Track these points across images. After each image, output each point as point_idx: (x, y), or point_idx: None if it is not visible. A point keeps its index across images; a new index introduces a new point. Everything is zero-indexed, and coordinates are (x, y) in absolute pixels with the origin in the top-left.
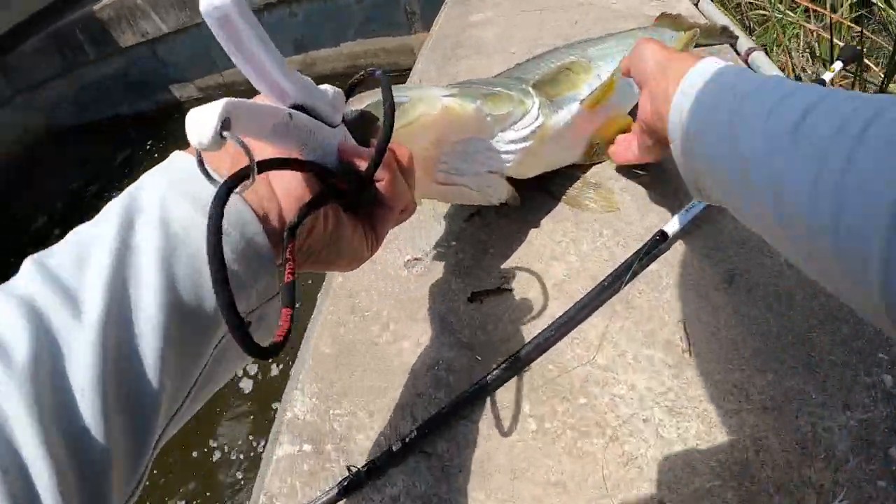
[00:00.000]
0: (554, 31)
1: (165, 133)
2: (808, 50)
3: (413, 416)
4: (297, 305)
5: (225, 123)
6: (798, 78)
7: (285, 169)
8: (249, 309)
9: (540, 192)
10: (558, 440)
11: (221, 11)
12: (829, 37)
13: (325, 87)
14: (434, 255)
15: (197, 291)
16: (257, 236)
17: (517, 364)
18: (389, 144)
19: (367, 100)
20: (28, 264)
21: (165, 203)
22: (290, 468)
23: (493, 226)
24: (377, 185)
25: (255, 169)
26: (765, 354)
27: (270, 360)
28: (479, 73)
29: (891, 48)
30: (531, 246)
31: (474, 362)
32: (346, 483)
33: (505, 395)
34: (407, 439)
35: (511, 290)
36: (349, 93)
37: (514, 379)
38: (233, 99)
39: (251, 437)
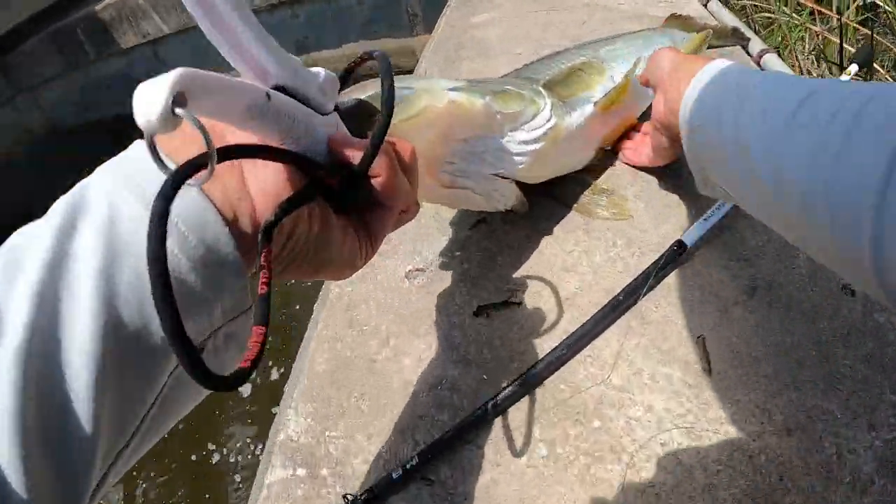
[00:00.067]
0: (560, 31)
1: None
2: (813, 52)
3: (414, 440)
4: (295, 315)
5: (178, 98)
6: None
7: (258, 157)
8: (213, 327)
9: (549, 199)
10: (571, 466)
11: None
12: (833, 39)
13: (317, 69)
14: (437, 265)
15: (142, 310)
16: (221, 241)
17: (526, 384)
18: (390, 138)
19: (371, 89)
20: None
21: (114, 200)
22: (284, 493)
23: (500, 234)
24: (372, 181)
25: (215, 156)
26: (787, 372)
27: (270, 364)
28: (484, 75)
29: None
30: (541, 256)
31: (480, 382)
32: None
33: (513, 417)
34: (408, 465)
35: (520, 304)
36: (345, 78)
37: (523, 400)
38: (191, 69)
39: (249, 441)
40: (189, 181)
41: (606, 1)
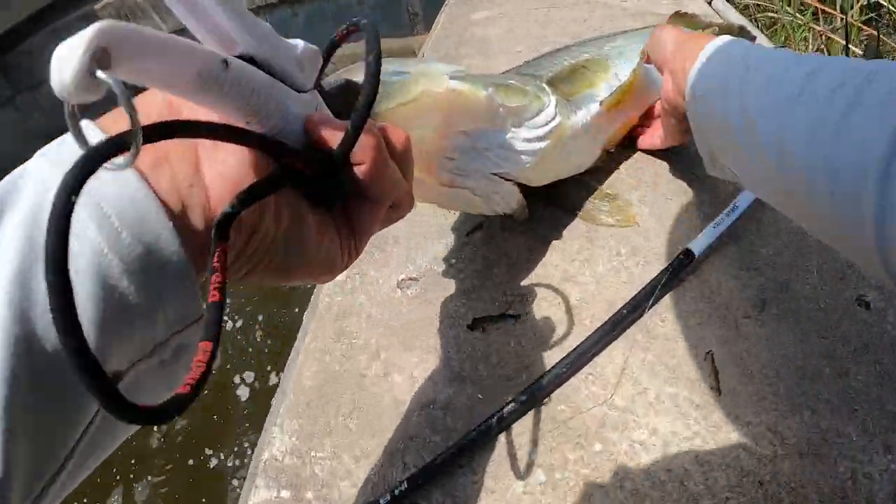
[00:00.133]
0: (561, 29)
1: None
2: (818, 52)
3: (405, 463)
4: (297, 319)
5: (100, 58)
6: None
7: (208, 137)
8: (156, 341)
9: (549, 204)
10: (570, 493)
11: None
12: (837, 39)
13: (296, 41)
14: (431, 274)
15: None
16: (163, 238)
17: (524, 404)
18: (383, 124)
19: (362, 71)
20: None
21: (44, 189)
22: None
23: (498, 242)
24: (355, 169)
25: (139, 133)
26: (800, 390)
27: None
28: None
29: None
30: (540, 266)
31: (475, 401)
32: None
33: (510, 439)
34: (396, 491)
35: (518, 317)
36: (329, 53)
37: (521, 421)
38: (119, 22)
39: (247, 446)
40: (109, 164)
41: None
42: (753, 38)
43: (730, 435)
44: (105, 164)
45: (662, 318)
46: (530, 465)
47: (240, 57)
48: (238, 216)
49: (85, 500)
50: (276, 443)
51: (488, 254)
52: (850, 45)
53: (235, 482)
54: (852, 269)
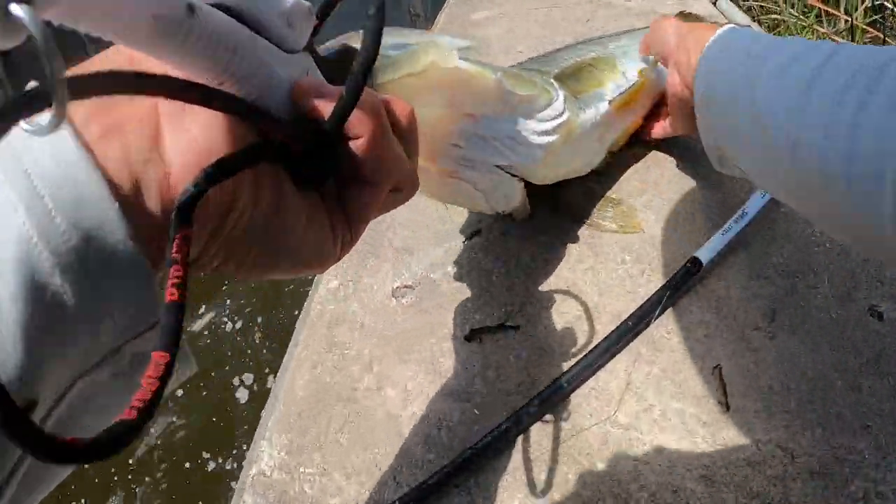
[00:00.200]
0: (563, 29)
1: None
2: None
3: (397, 482)
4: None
5: None
6: None
7: (163, 94)
8: (104, 350)
9: (551, 209)
10: None
11: None
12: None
13: None
14: (427, 282)
15: None
16: (108, 224)
17: (523, 421)
18: (386, 97)
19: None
20: None
21: None
22: None
23: (498, 249)
24: (352, 145)
25: (62, 87)
26: (811, 405)
27: (266, 371)
28: None
29: None
30: (541, 274)
31: (472, 417)
32: None
33: (508, 458)
34: None
35: (517, 328)
36: (326, 10)
37: (519, 439)
38: None
39: (246, 448)
40: (28, 125)
41: None
42: None
43: (738, 453)
44: (24, 126)
45: (668, 329)
46: (529, 486)
47: (214, 5)
48: (204, 196)
49: (84, 501)
50: (265, 457)
51: (487, 261)
52: None
53: (234, 485)
54: (864, 277)
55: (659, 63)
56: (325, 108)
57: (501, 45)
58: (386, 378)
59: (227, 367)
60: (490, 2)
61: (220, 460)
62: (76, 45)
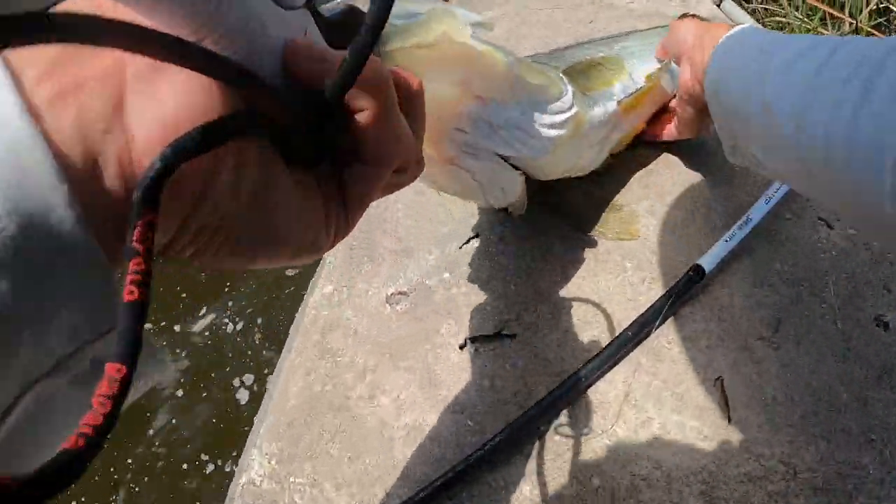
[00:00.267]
0: (566, 30)
1: None
2: None
3: (387, 494)
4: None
5: None
6: None
7: (127, 46)
8: (55, 358)
9: (550, 214)
10: None
11: None
12: None
13: None
14: (422, 288)
15: None
16: (53, 209)
17: (518, 433)
18: (395, 67)
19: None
20: None
21: None
22: None
23: (495, 255)
24: (356, 118)
25: None
26: (815, 418)
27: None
28: None
29: None
30: (539, 281)
31: (465, 428)
32: None
33: (502, 472)
34: None
35: (513, 337)
36: None
37: (513, 452)
38: None
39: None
40: None
41: None
42: None
43: (739, 468)
44: None
45: (669, 339)
46: (523, 501)
47: None
48: (173, 174)
49: (83, 500)
50: (255, 465)
51: (483, 267)
52: None
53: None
54: (870, 285)
55: (672, 63)
56: (324, 74)
57: (504, 46)
58: (379, 387)
59: (227, 368)
60: (491, 2)
61: (220, 462)
62: None
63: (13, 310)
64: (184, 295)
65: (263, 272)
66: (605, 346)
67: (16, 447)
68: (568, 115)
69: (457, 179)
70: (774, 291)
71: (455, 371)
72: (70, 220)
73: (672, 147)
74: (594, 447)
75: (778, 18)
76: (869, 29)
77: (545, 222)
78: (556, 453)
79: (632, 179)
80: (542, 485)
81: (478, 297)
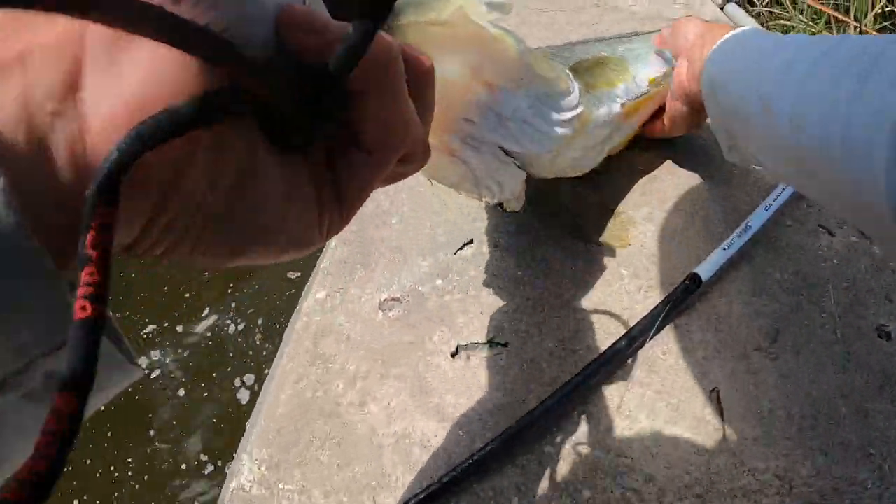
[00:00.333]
0: (568, 32)
1: None
2: None
3: (375, 503)
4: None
5: None
6: None
7: (87, 14)
8: (3, 373)
9: (545, 221)
10: None
11: None
12: None
13: None
14: (415, 295)
15: None
16: None
17: (508, 443)
18: (402, 45)
19: None
20: None
21: None
22: None
23: (489, 261)
24: (353, 99)
25: None
26: (813, 432)
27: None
28: None
29: None
30: (533, 288)
31: (455, 437)
32: None
33: (492, 483)
34: None
35: (505, 345)
36: None
37: (503, 463)
38: None
39: None
40: None
41: (617, 2)
42: None
43: (734, 482)
44: None
45: (665, 349)
46: None
47: None
48: (132, 165)
49: (84, 498)
50: (245, 471)
51: (477, 274)
52: None
53: None
54: (871, 294)
55: (675, 60)
56: (324, 48)
57: None
58: (370, 394)
59: (228, 369)
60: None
61: (220, 462)
62: None
63: None
64: (187, 295)
65: (265, 272)
66: (599, 356)
67: None
68: (575, 112)
69: (454, 171)
70: (773, 300)
71: (446, 379)
72: (10, 220)
73: (677, 154)
74: (586, 458)
75: (782, 22)
76: (874, 32)
77: (541, 229)
78: (547, 464)
79: (631, 186)
80: (532, 496)
81: (471, 304)
